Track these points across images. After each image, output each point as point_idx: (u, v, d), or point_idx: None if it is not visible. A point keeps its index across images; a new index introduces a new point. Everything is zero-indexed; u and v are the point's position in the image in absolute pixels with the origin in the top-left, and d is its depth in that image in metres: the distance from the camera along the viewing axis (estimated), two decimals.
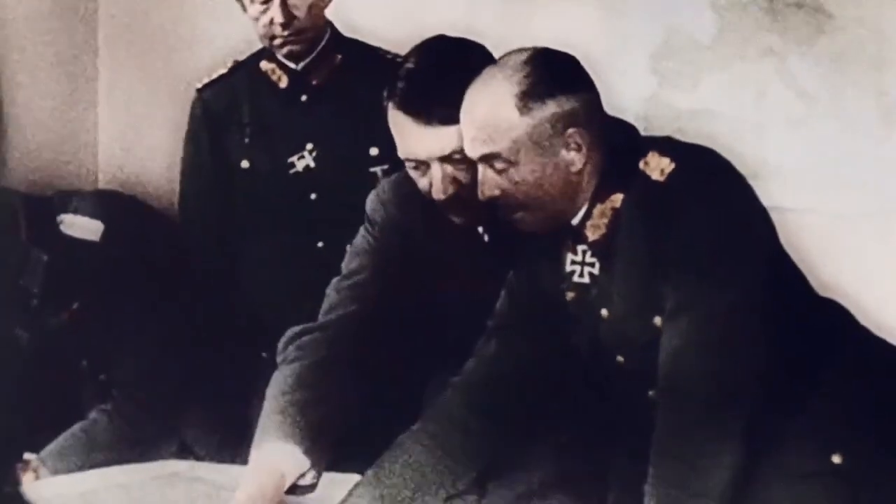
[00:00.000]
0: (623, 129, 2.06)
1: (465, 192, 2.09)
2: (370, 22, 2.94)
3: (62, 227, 2.38)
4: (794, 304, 1.99)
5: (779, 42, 2.88)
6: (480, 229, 2.21)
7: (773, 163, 2.66)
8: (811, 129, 2.87)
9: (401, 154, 2.14)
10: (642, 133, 2.12)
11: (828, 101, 2.86)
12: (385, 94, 2.14)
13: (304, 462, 2.05)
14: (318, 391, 2.11)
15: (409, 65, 2.13)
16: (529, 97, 1.93)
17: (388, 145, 2.37)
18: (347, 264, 2.29)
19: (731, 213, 1.94)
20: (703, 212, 1.91)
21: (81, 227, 2.54)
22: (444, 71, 2.08)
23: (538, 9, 3.00)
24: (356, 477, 2.15)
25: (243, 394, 2.63)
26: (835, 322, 2.04)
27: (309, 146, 2.80)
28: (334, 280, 2.29)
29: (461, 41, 2.18)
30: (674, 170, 1.94)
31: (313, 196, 2.80)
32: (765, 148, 2.71)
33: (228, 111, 2.89)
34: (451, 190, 2.09)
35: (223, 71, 2.91)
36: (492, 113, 1.94)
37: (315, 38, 2.79)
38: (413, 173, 2.14)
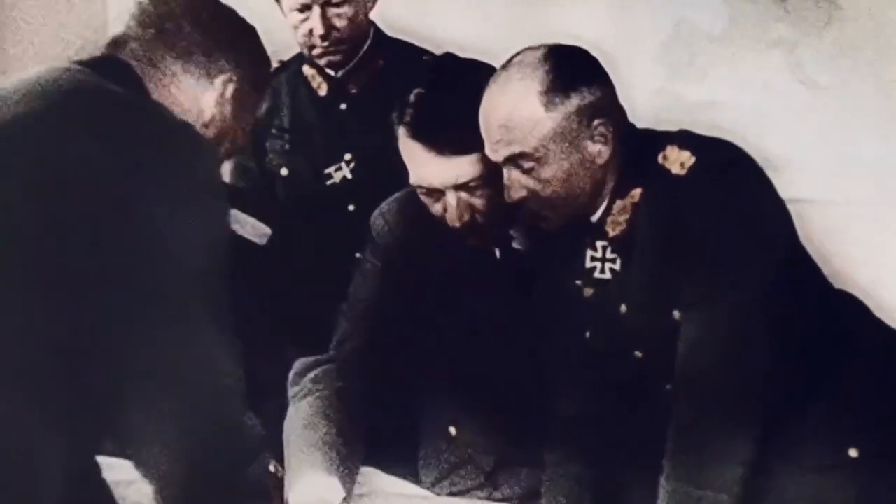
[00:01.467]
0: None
1: (480, 217, 2.07)
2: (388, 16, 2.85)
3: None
4: (810, 297, 1.99)
5: (788, 32, 2.87)
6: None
7: (782, 153, 2.65)
8: (819, 120, 2.87)
9: (413, 181, 2.09)
10: (652, 125, 2.11)
11: (836, 91, 2.86)
12: (394, 117, 2.09)
13: (342, 493, 2.04)
14: (342, 424, 2.10)
15: (419, 89, 2.08)
16: (552, 92, 1.92)
17: None
18: (355, 291, 2.25)
19: (752, 206, 1.93)
20: (724, 205, 1.90)
21: (253, 227, 2.50)
22: (456, 96, 2.03)
23: (547, 1, 3.00)
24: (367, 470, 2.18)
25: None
26: (849, 314, 2.03)
27: (347, 156, 2.73)
28: (344, 305, 2.26)
29: (470, 62, 2.14)
30: (694, 163, 1.92)
31: (351, 207, 2.72)
32: (773, 138, 2.69)
33: (270, 114, 2.81)
34: (466, 217, 2.05)
35: None
36: (516, 112, 1.92)
37: (356, 46, 2.70)
38: (425, 199, 2.10)
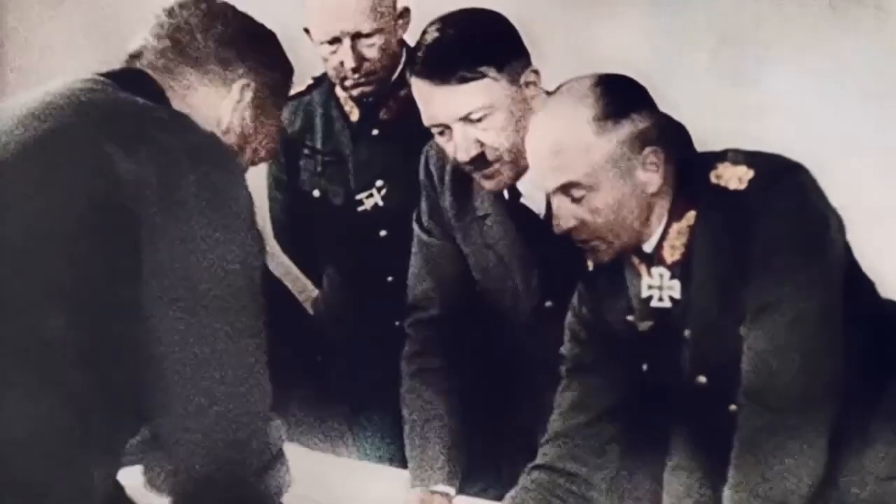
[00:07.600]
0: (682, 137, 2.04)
1: (489, 153, 2.14)
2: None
3: None
4: (863, 306, 1.97)
5: (837, 38, 2.84)
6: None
7: (831, 159, 2.62)
8: (871, 124, 2.84)
9: (425, 122, 2.19)
10: (699, 133, 2.10)
11: (886, 97, 2.83)
12: (408, 71, 2.19)
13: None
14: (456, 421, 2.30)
15: (428, 36, 2.17)
16: (604, 119, 1.92)
17: None
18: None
19: (813, 214, 1.93)
20: (787, 214, 1.90)
21: None
22: (463, 36, 2.13)
23: (596, 5, 2.98)
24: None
25: None
26: None
27: (378, 183, 2.72)
28: (412, 319, 2.40)
29: (482, 10, 2.21)
30: (753, 176, 1.92)
31: (383, 233, 2.73)
32: (822, 144, 2.67)
33: (303, 133, 2.81)
34: (473, 151, 2.13)
35: (301, 88, 2.79)
36: (568, 139, 1.92)
37: (388, 73, 2.67)
38: (439, 139, 2.19)
